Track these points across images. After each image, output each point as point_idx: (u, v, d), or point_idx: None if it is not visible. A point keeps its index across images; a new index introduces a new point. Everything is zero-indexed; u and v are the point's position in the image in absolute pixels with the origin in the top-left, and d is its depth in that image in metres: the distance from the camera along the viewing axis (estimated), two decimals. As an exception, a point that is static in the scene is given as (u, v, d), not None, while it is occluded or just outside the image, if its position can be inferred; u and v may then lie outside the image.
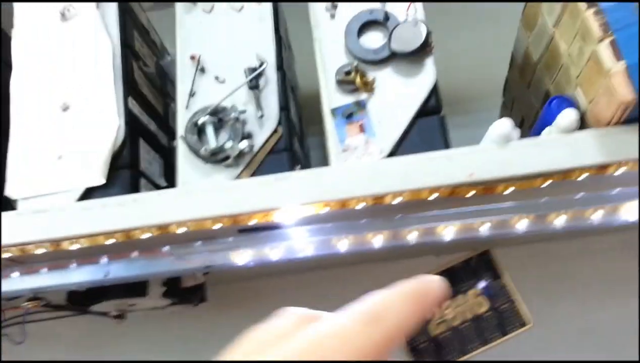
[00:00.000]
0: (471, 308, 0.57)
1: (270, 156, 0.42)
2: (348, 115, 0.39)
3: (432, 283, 0.20)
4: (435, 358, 0.55)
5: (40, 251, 0.35)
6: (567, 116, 0.36)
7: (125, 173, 0.41)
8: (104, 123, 0.42)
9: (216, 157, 0.41)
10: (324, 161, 0.40)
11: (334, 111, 0.39)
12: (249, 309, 0.60)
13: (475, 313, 0.57)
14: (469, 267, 0.60)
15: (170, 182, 0.48)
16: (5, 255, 0.35)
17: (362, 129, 0.38)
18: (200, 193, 0.35)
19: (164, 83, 0.55)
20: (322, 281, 0.61)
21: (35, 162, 0.41)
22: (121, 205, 0.35)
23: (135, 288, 0.43)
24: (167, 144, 0.52)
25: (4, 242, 0.35)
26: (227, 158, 0.41)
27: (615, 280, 0.63)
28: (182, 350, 0.59)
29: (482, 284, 0.59)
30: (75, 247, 0.35)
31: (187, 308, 0.53)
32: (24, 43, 0.45)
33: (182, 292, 0.48)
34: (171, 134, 0.54)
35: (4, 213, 0.36)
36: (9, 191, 0.40)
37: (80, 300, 0.44)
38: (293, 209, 0.34)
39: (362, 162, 0.36)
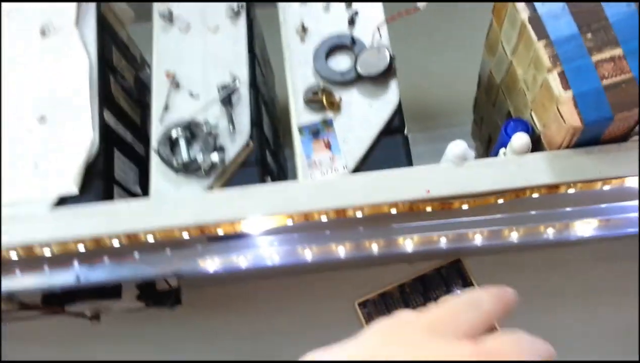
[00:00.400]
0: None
1: (241, 169, 0.44)
2: (315, 132, 0.41)
3: (508, 290, 0.25)
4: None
5: (13, 255, 0.36)
6: (519, 139, 0.39)
7: (99, 182, 0.43)
8: (78, 135, 0.43)
9: (188, 169, 0.43)
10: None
11: (302, 128, 0.41)
12: (223, 313, 0.61)
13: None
14: (440, 275, 0.62)
15: (146, 190, 0.49)
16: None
17: (328, 146, 0.40)
18: (167, 203, 0.37)
19: (143, 94, 0.57)
20: (298, 286, 0.62)
21: (12, 170, 0.42)
22: (91, 214, 0.37)
23: (109, 290, 0.44)
24: (143, 152, 0.54)
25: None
26: (198, 169, 0.43)
27: (588, 290, 0.65)
28: (156, 350, 0.60)
29: (453, 292, 0.61)
30: (47, 252, 0.36)
31: (162, 311, 0.54)
32: (4, 56, 0.46)
33: (157, 294, 0.49)
34: (149, 142, 0.56)
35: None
36: (-15, 197, 0.42)
37: (55, 301, 0.45)
38: (258, 220, 0.36)
39: (324, 178, 0.38)
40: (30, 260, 0.39)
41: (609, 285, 0.64)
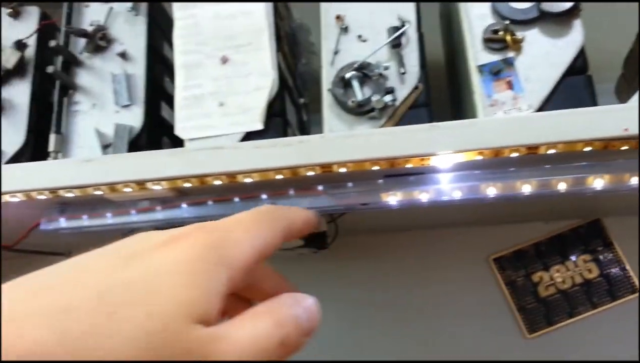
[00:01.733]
0: (581, 273, 0.58)
1: (410, 110, 0.45)
2: (496, 71, 0.41)
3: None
4: (544, 319, 0.57)
5: (217, 182, 0.40)
6: None
7: (278, 121, 0.46)
8: (260, 75, 0.46)
9: (361, 109, 0.45)
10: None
11: (481, 68, 0.41)
12: (362, 261, 0.63)
13: (585, 278, 0.58)
14: (578, 234, 0.61)
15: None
16: (186, 185, 0.40)
17: (509, 85, 0.40)
18: (361, 137, 0.38)
19: (293, 44, 0.59)
20: (434, 239, 0.62)
21: (199, 109, 0.46)
22: (289, 146, 0.39)
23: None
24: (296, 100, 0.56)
25: (183, 173, 0.40)
26: (371, 110, 0.44)
27: None
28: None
29: (592, 251, 0.60)
30: (248, 180, 0.39)
31: (305, 255, 0.57)
32: (185, 4, 0.49)
33: (310, 236, 0.52)
34: (298, 92, 0.58)
35: (182, 149, 0.41)
36: (179, 132, 0.45)
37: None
38: (447, 156, 0.37)
39: (515, 115, 0.38)
40: (223, 190, 0.42)
41: None
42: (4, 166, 0.43)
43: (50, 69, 0.51)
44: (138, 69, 0.52)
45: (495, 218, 0.62)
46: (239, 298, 0.24)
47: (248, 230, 0.21)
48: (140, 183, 0.40)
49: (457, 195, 0.39)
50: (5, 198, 0.41)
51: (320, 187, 0.41)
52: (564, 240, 0.61)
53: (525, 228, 0.61)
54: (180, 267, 0.18)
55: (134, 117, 0.50)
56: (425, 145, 0.38)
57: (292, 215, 0.23)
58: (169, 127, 0.55)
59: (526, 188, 0.38)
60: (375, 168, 0.38)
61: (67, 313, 0.16)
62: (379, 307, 0.61)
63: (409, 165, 0.38)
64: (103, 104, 0.52)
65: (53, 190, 0.40)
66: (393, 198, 0.40)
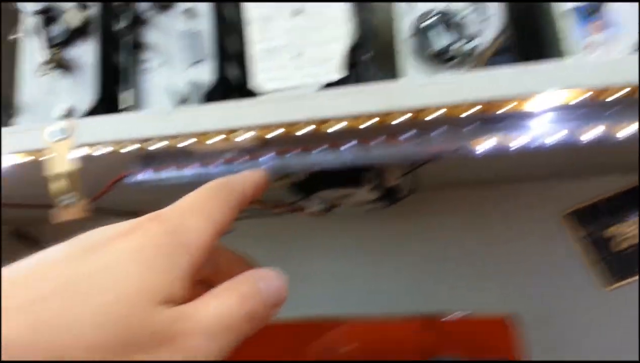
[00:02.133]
0: (657, 227, 0.57)
1: (493, 58, 0.44)
2: (589, 12, 0.39)
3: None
4: (619, 273, 0.56)
5: (300, 132, 0.39)
6: None
7: (352, 72, 0.45)
8: (336, 25, 0.45)
9: (441, 58, 0.44)
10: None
11: (575, 9, 0.40)
12: (430, 216, 0.63)
13: (661, 232, 0.57)
14: (654, 188, 0.60)
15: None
16: (272, 134, 0.40)
17: (603, 27, 0.39)
18: (451, 81, 0.37)
19: None
20: (506, 194, 0.61)
21: (275, 61, 0.45)
22: (376, 92, 0.38)
23: (352, 179, 0.47)
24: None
25: (271, 120, 0.39)
26: (452, 58, 0.43)
27: None
28: (364, 251, 0.63)
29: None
30: (333, 129, 0.39)
31: (372, 210, 0.57)
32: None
33: (383, 190, 0.51)
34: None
35: (268, 96, 0.41)
36: (256, 83, 0.45)
37: (304, 188, 0.49)
38: (549, 96, 0.36)
39: (615, 55, 0.37)
40: (307, 140, 0.42)
41: None
42: (86, 118, 0.43)
43: (118, 26, 0.51)
44: (204, 26, 0.52)
45: (572, 170, 0.60)
46: (207, 286, 0.24)
47: (201, 211, 0.21)
48: (229, 132, 0.40)
49: (555, 139, 0.38)
50: (91, 151, 0.42)
51: (406, 135, 0.41)
52: (639, 194, 0.60)
53: (600, 181, 0.60)
54: (138, 255, 0.19)
55: (204, 74, 0.50)
56: (525, 85, 0.37)
57: (242, 185, 0.24)
58: (237, 84, 0.55)
59: (625, 132, 0.37)
60: (465, 114, 0.38)
61: (37, 304, 0.17)
62: (453, 262, 0.61)
63: (500, 111, 0.37)
64: (172, 61, 0.51)
65: (142, 141, 0.40)
66: (485, 145, 0.39)
